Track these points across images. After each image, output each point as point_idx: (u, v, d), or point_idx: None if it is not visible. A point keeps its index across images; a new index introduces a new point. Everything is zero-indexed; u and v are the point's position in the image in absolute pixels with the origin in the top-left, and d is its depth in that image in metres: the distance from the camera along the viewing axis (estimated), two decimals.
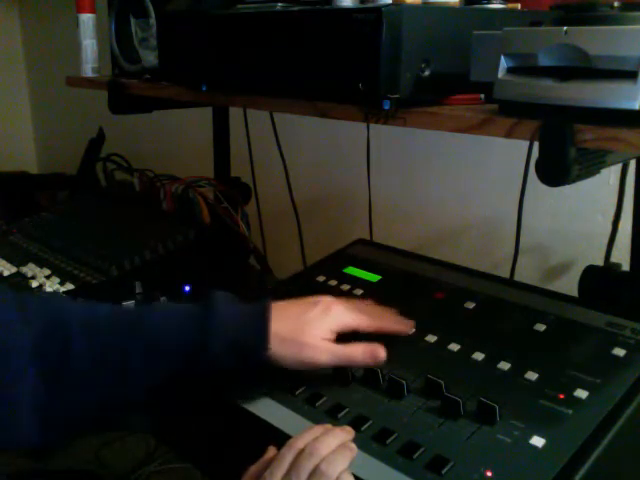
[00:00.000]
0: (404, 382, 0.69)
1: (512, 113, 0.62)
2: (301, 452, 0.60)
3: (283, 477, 0.60)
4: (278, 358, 0.71)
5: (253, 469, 0.63)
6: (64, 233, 1.27)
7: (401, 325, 0.80)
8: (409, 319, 0.81)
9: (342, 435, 0.63)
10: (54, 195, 1.92)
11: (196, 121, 1.73)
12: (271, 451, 0.63)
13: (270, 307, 0.73)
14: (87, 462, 1.16)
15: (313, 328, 0.73)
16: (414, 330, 0.80)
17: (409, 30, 0.67)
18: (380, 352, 0.73)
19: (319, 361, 0.72)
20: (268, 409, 0.71)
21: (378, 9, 0.66)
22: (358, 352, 0.73)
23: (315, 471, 0.59)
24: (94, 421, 0.74)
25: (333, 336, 0.74)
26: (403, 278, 0.93)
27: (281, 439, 0.63)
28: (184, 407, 0.76)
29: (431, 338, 0.78)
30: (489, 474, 0.58)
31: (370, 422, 0.66)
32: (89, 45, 1.31)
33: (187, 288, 1.10)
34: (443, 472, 0.59)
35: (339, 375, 0.72)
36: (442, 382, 0.68)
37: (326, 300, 0.77)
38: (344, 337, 0.74)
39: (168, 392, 0.72)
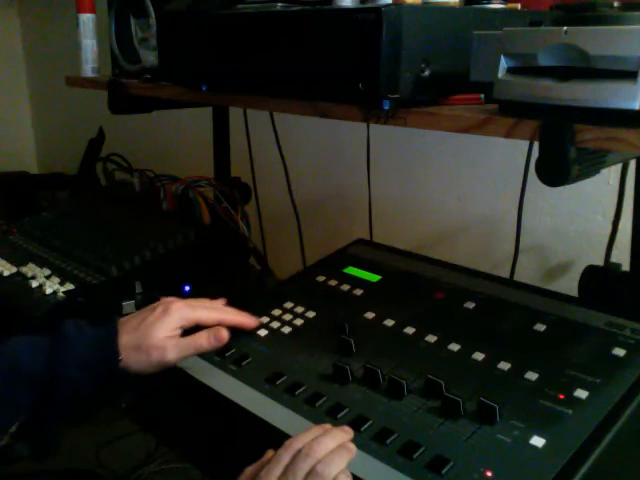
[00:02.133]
0: (404, 382, 0.69)
1: (512, 113, 0.62)
2: (298, 453, 0.60)
3: (280, 477, 0.60)
4: (132, 367, 0.76)
5: (250, 470, 0.63)
6: (64, 233, 1.27)
7: (244, 317, 0.84)
8: (409, 319, 0.82)
9: (340, 435, 0.63)
10: (54, 195, 1.92)
11: (196, 121, 1.73)
12: (269, 453, 0.63)
13: (115, 324, 0.78)
14: (87, 462, 1.16)
15: (156, 330, 0.77)
16: (257, 324, 0.84)
17: (409, 30, 0.67)
18: (222, 332, 0.78)
19: (168, 359, 0.77)
20: (268, 409, 0.71)
21: (378, 9, 0.66)
22: (202, 338, 0.78)
23: (311, 472, 0.59)
24: None
25: (177, 332, 0.79)
26: (403, 278, 0.93)
27: (281, 439, 0.63)
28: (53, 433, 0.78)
29: (431, 338, 0.78)
30: (489, 474, 0.58)
31: (370, 422, 0.66)
32: (89, 45, 1.31)
33: (187, 288, 1.10)
34: (443, 472, 0.59)
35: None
36: (442, 382, 0.68)
37: (165, 301, 0.81)
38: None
39: (36, 422, 0.74)
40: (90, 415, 0.79)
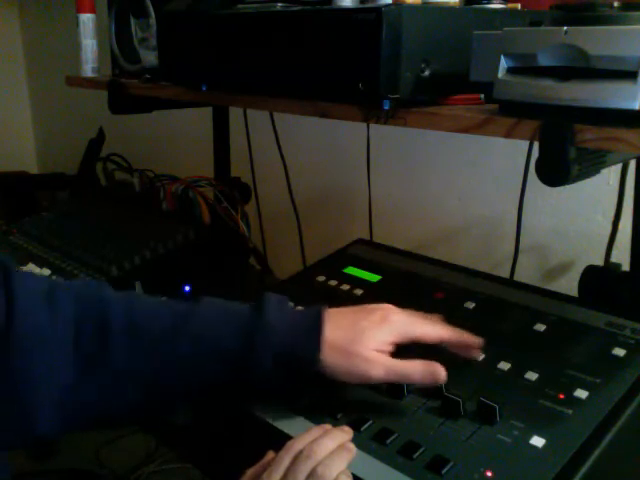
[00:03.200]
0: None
1: (512, 113, 0.62)
2: (299, 455, 0.60)
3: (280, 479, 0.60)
4: (329, 370, 0.66)
5: (250, 472, 0.63)
6: (64, 233, 1.27)
7: (469, 337, 0.72)
8: None
9: (340, 436, 0.63)
10: (54, 195, 1.92)
11: (196, 121, 1.73)
12: (269, 455, 0.63)
13: (324, 314, 0.68)
14: (87, 462, 1.16)
15: (368, 338, 0.67)
16: (480, 347, 0.73)
17: (409, 30, 0.67)
18: (441, 372, 0.66)
19: (372, 375, 0.66)
20: (268, 409, 0.71)
21: (378, 9, 0.66)
22: (417, 370, 0.67)
23: (312, 474, 0.59)
24: (121, 420, 0.72)
25: (390, 348, 0.68)
26: (403, 278, 0.93)
27: (281, 439, 0.63)
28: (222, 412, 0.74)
29: None
30: (489, 474, 0.58)
31: (370, 422, 0.66)
32: (89, 45, 1.31)
33: (187, 288, 1.10)
34: (443, 472, 0.59)
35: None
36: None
37: (385, 307, 0.71)
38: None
39: (208, 401, 0.70)
40: (270, 401, 0.70)
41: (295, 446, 0.61)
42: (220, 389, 0.68)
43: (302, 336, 0.67)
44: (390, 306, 0.71)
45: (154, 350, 0.67)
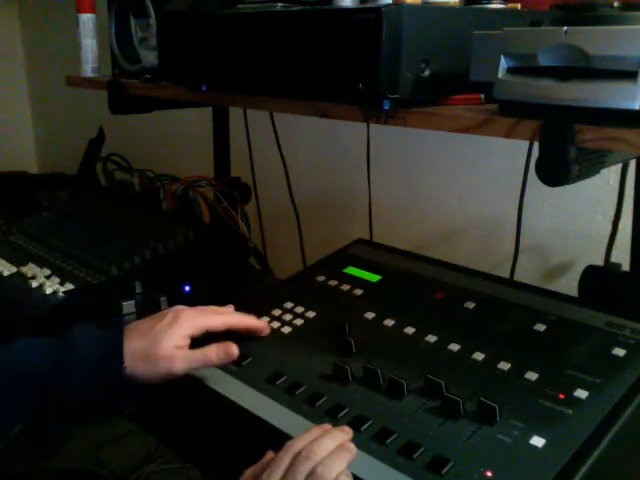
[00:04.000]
0: (404, 382, 0.69)
1: (512, 113, 0.62)
2: (298, 455, 0.60)
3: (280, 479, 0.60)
4: (137, 375, 0.74)
5: (250, 471, 0.63)
6: (64, 233, 1.27)
7: (255, 321, 0.83)
8: (409, 319, 0.82)
9: (340, 436, 0.63)
10: (54, 195, 1.92)
11: (196, 121, 1.73)
12: (269, 455, 0.63)
13: (122, 329, 0.76)
14: (87, 462, 1.16)
15: (165, 339, 0.75)
16: (268, 331, 0.83)
17: (409, 30, 0.67)
18: (232, 349, 0.76)
19: (176, 370, 0.75)
20: (268, 409, 0.71)
21: (378, 9, 0.66)
22: (212, 352, 0.76)
23: (312, 474, 0.59)
24: None
25: (187, 342, 0.77)
26: (403, 278, 0.93)
27: (281, 439, 0.63)
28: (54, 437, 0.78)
29: (431, 338, 0.78)
30: (489, 474, 0.58)
31: (370, 422, 0.66)
32: (89, 45, 1.31)
33: (187, 288, 1.10)
34: (443, 472, 0.59)
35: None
36: (442, 382, 0.68)
37: (175, 309, 0.79)
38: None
39: (37, 426, 0.74)
40: (93, 421, 0.78)
41: (295, 446, 0.62)
42: (35, 409, 0.73)
43: (106, 352, 0.74)
44: (180, 307, 0.80)
45: None
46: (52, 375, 0.73)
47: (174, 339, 0.76)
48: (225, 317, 0.81)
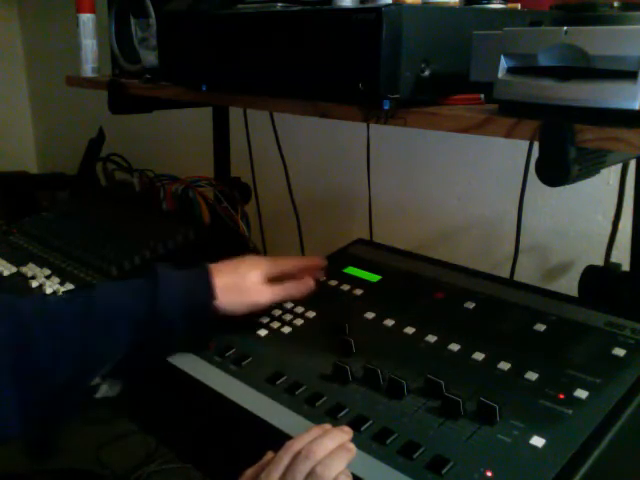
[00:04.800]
0: (404, 382, 0.69)
1: (512, 113, 0.62)
2: (298, 455, 0.60)
3: (279, 479, 0.60)
4: (226, 306, 0.81)
5: (249, 472, 0.63)
6: (64, 233, 1.27)
7: (314, 260, 0.94)
8: (409, 319, 0.82)
9: (340, 436, 0.63)
10: (54, 195, 1.92)
11: (196, 121, 1.73)
12: (269, 455, 0.63)
13: (209, 266, 0.83)
14: (87, 462, 1.16)
15: (250, 275, 0.84)
16: (324, 263, 0.93)
17: (409, 30, 0.67)
18: (309, 283, 0.87)
19: (262, 300, 0.84)
20: (268, 409, 0.71)
21: (378, 9, 0.66)
22: (292, 286, 0.86)
23: (311, 473, 0.59)
24: (67, 406, 0.78)
25: (266, 281, 0.85)
26: (403, 278, 0.93)
27: (281, 439, 0.63)
28: (143, 372, 0.82)
29: (431, 338, 0.78)
30: (489, 474, 0.58)
31: (370, 422, 0.66)
32: (89, 45, 1.31)
33: None
34: (443, 472, 0.59)
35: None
36: (442, 382, 0.68)
37: (251, 256, 0.91)
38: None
39: (129, 362, 0.77)
40: (184, 350, 0.82)
41: (294, 446, 0.62)
42: (136, 348, 0.77)
43: (196, 286, 0.81)
44: (252, 256, 0.91)
45: (69, 327, 0.75)
46: (149, 312, 0.77)
47: (257, 276, 0.84)
48: (292, 260, 0.92)
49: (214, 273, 0.82)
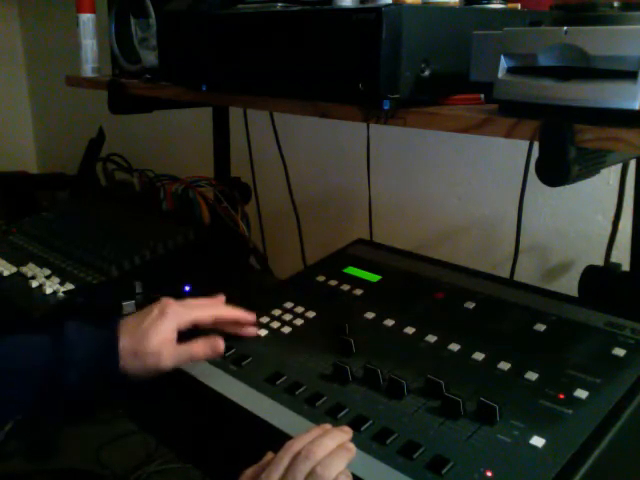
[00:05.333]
0: (404, 382, 0.69)
1: (512, 113, 0.62)
2: (298, 455, 0.60)
3: (279, 479, 0.60)
4: (129, 372, 0.75)
5: (249, 472, 0.63)
6: (64, 233, 1.27)
7: (240, 313, 0.84)
8: (409, 319, 0.82)
9: (340, 436, 0.63)
10: (54, 195, 1.92)
11: (196, 121, 1.73)
12: (269, 455, 0.63)
13: (116, 327, 0.77)
14: (87, 462, 1.16)
15: (151, 335, 0.76)
16: (254, 322, 0.84)
17: (409, 30, 0.67)
18: (219, 343, 0.78)
19: (163, 365, 0.76)
20: (268, 409, 0.71)
21: (378, 9, 0.66)
22: (199, 348, 0.78)
23: (311, 473, 0.59)
24: None
25: (174, 335, 0.77)
26: (403, 278, 0.93)
27: (281, 439, 0.63)
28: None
29: (431, 338, 0.78)
30: (489, 474, 0.58)
31: (370, 422, 0.66)
32: (89, 45, 1.31)
33: (187, 288, 1.10)
34: (443, 472, 0.59)
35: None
36: (442, 382, 0.68)
37: (162, 303, 0.80)
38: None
39: (33, 421, 0.76)
40: (86, 416, 0.79)
41: (294, 446, 0.62)
42: (33, 406, 0.74)
43: (101, 349, 0.75)
44: (168, 300, 0.80)
45: None
46: (50, 374, 0.73)
47: (161, 334, 0.76)
48: (212, 309, 0.82)
49: (121, 333, 0.76)
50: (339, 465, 0.60)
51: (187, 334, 0.79)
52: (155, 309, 0.79)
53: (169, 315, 0.78)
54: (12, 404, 0.74)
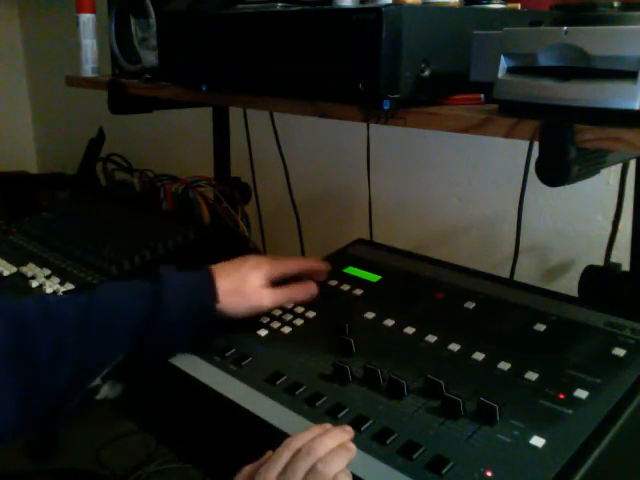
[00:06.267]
0: (404, 382, 0.69)
1: (512, 113, 0.62)
2: (298, 452, 0.61)
3: (279, 475, 0.60)
4: (228, 309, 0.81)
5: (248, 468, 0.63)
6: (64, 233, 1.27)
7: (317, 263, 0.93)
8: (409, 319, 0.82)
9: (340, 435, 0.63)
10: (54, 195, 1.92)
11: (196, 121, 1.73)
12: (268, 454, 0.63)
13: (212, 269, 0.83)
14: (87, 462, 1.16)
15: (252, 277, 0.83)
16: (328, 268, 0.92)
17: (409, 30, 0.67)
18: (312, 287, 0.87)
19: (264, 304, 0.83)
20: (268, 409, 0.71)
21: (378, 9, 0.66)
22: (294, 290, 0.86)
23: (311, 470, 0.59)
24: (67, 407, 0.77)
25: (269, 283, 0.85)
26: (403, 278, 0.93)
27: (281, 439, 0.63)
28: (145, 374, 0.82)
29: (431, 338, 0.78)
30: (489, 474, 0.58)
31: (370, 422, 0.66)
32: (89, 45, 1.31)
33: None
34: (443, 472, 0.59)
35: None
36: (442, 382, 0.68)
37: (253, 257, 0.89)
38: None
39: (130, 363, 0.77)
40: (185, 350, 0.81)
41: (294, 443, 0.62)
42: (137, 350, 0.77)
43: (199, 288, 0.81)
44: (256, 255, 0.90)
45: (70, 329, 0.75)
46: (151, 315, 0.77)
47: (260, 279, 0.84)
48: (294, 261, 0.91)
49: (216, 275, 0.82)
50: (339, 463, 0.60)
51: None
52: (250, 260, 0.87)
53: (264, 265, 0.85)
54: (113, 346, 0.76)
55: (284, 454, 0.61)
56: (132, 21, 1.12)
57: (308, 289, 0.87)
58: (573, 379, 0.68)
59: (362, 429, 0.65)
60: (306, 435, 0.62)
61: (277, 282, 0.87)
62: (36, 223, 1.35)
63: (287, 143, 1.38)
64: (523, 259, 1.16)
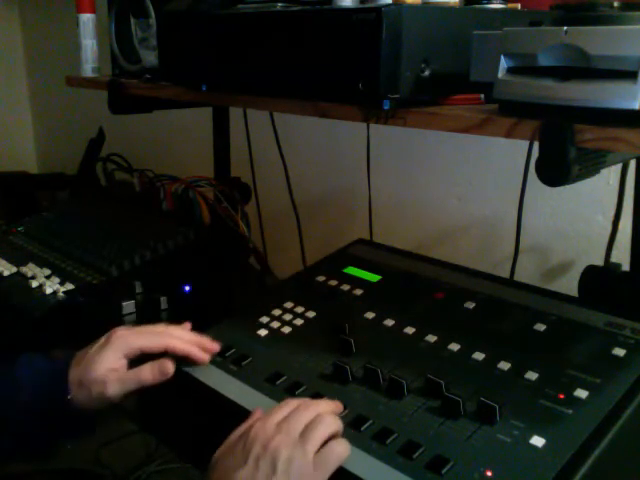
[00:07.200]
0: (404, 382, 0.69)
1: (512, 113, 0.62)
2: (297, 407, 0.64)
3: (279, 422, 0.62)
4: (80, 403, 0.74)
5: (237, 432, 0.65)
6: (64, 233, 1.27)
7: (193, 348, 0.79)
8: (409, 319, 0.81)
9: (331, 406, 0.67)
10: (54, 195, 1.92)
11: (196, 121, 1.73)
12: (257, 412, 0.66)
13: (70, 358, 0.76)
14: (87, 462, 1.16)
15: (97, 363, 0.75)
16: (211, 353, 0.80)
17: (409, 30, 0.67)
18: (168, 366, 0.75)
19: (109, 394, 0.74)
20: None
21: (378, 9, 0.66)
22: (146, 371, 0.75)
23: (314, 420, 0.62)
24: None
25: (122, 363, 0.76)
26: (403, 278, 0.93)
27: None
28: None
29: (431, 338, 0.78)
30: (489, 474, 0.58)
31: (370, 422, 0.66)
32: (89, 45, 1.31)
33: (187, 288, 1.10)
34: (443, 472, 0.59)
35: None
36: (442, 382, 0.68)
37: (111, 331, 0.78)
38: None
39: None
40: (39, 452, 0.78)
41: (293, 401, 0.66)
42: None
43: (51, 382, 0.74)
44: (117, 328, 0.79)
45: None
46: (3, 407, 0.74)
47: (106, 361, 0.75)
48: (162, 339, 0.78)
49: (72, 364, 0.75)
50: (338, 422, 0.64)
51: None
52: (103, 337, 0.78)
53: (114, 343, 0.76)
54: None
55: (285, 408, 0.64)
56: (132, 21, 1.12)
57: (161, 369, 0.75)
58: (573, 379, 0.68)
59: (362, 429, 0.65)
60: (301, 399, 0.67)
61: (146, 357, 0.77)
62: (36, 223, 1.35)
63: (287, 143, 1.38)
64: (523, 259, 1.16)
